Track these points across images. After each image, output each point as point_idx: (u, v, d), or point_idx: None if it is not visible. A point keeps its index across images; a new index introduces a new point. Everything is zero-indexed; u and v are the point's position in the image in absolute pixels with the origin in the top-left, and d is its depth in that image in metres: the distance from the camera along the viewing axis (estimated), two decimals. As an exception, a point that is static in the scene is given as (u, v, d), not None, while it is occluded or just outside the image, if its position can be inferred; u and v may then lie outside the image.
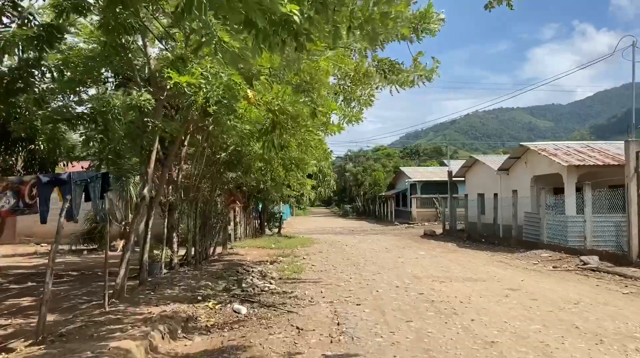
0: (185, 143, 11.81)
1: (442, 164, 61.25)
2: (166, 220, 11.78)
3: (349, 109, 10.61)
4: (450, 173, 31.45)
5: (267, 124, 8.18)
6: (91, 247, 19.50)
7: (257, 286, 10.07)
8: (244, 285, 10.10)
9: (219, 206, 16.42)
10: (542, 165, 20.94)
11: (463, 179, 32.65)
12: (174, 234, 11.77)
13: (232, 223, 21.48)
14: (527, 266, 14.45)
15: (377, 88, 10.27)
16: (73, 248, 19.23)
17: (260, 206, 28.55)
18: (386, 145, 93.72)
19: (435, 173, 46.85)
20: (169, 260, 11.81)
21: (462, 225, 30.50)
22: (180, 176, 11.89)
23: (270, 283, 10.80)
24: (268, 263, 14.93)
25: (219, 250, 17.54)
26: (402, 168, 51.03)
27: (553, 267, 14.07)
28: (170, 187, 11.89)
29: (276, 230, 30.92)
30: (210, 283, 9.85)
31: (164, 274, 10.68)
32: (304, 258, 16.72)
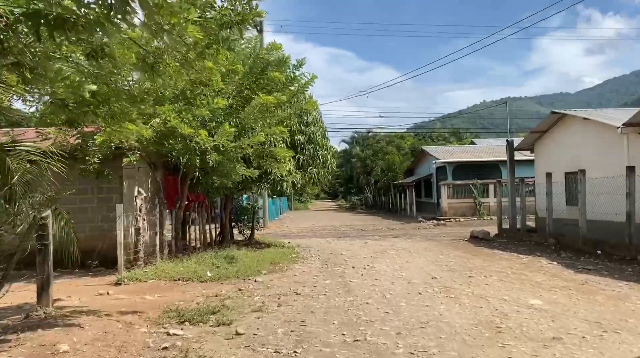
0: None
1: (470, 143, 50.31)
2: None
3: None
4: (511, 143, 20.62)
5: None
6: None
7: None
8: None
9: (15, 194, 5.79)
10: None
11: (528, 156, 21.83)
12: None
13: (126, 232, 10.91)
14: None
15: None
16: None
17: (217, 197, 17.89)
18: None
19: (470, 152, 35.99)
20: None
21: (529, 221, 19.83)
22: None
23: None
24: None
25: (26, 299, 7.01)
26: (425, 148, 39.92)
27: None
28: None
29: (249, 233, 20.23)
30: None
31: None
32: (237, 336, 6.15)
